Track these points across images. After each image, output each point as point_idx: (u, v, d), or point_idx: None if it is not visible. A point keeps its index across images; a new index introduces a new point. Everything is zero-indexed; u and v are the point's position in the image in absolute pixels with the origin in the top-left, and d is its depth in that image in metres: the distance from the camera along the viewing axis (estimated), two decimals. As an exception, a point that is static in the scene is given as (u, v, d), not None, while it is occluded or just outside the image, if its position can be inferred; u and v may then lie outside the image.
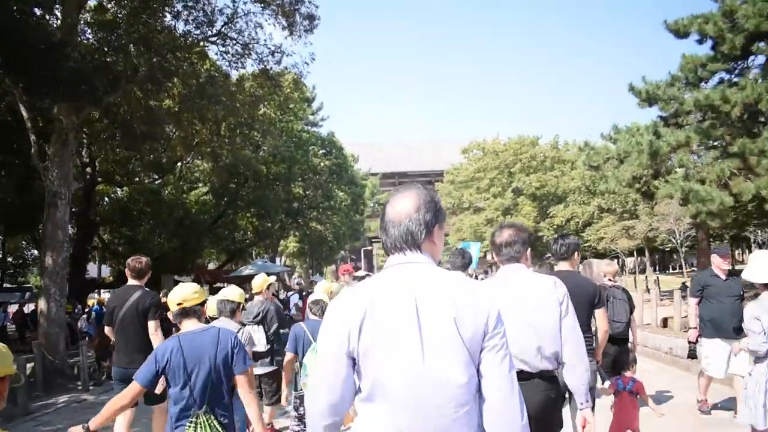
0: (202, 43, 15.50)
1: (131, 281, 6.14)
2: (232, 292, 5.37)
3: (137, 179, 22.30)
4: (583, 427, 3.46)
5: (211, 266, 28.60)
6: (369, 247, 56.75)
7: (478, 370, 2.00)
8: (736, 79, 19.33)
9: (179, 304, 3.83)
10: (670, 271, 52.75)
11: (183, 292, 3.87)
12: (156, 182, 22.79)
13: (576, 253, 5.06)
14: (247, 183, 21.81)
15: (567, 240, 5.03)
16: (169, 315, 4.15)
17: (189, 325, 3.81)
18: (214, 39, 15.24)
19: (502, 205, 47.45)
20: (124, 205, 22.33)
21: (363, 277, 7.07)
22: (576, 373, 3.39)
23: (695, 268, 36.43)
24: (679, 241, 34.92)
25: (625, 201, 42.73)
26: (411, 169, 64.64)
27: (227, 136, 21.06)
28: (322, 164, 24.28)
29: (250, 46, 15.71)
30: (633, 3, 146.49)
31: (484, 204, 49.11)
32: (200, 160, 23.53)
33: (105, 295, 27.87)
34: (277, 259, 44.32)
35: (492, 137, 51.14)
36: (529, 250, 3.70)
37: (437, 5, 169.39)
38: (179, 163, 25.43)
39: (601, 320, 4.94)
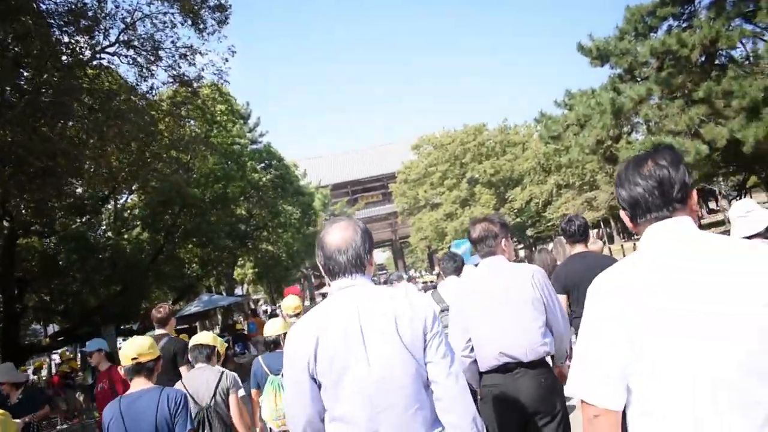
0: (99, 56, 13.48)
1: (158, 330, 6.16)
2: (203, 338, 5.08)
3: (59, 226, 19.95)
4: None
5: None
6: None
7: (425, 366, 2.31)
8: (684, 25, 18.24)
9: (134, 358, 3.63)
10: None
11: (139, 346, 3.67)
12: (81, 226, 20.40)
13: (588, 232, 4.92)
14: (183, 211, 19.69)
15: (579, 221, 4.87)
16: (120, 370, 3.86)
17: (137, 384, 3.63)
18: (112, 49, 13.27)
19: (458, 197, 46.39)
20: (47, 256, 19.93)
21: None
22: (560, 342, 3.57)
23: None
24: (644, 207, 33.89)
25: (582, 173, 41.98)
26: (362, 176, 63.01)
27: (151, 163, 19.01)
28: (263, 179, 22.24)
29: (159, 52, 13.81)
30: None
31: (440, 199, 47.95)
32: (127, 194, 21.36)
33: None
34: (238, 289, 42.09)
35: (440, 131, 50.00)
36: (504, 240, 3.73)
37: (361, 9, 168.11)
38: (109, 204, 23.21)
39: None
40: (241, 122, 31.33)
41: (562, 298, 4.48)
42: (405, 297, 2.39)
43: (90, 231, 21.35)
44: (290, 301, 7.26)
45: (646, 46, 16.93)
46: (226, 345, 6.11)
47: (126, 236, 23.00)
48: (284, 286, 33.33)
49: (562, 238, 7.35)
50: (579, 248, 4.80)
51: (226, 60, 14.86)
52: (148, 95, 15.01)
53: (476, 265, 5.03)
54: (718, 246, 1.69)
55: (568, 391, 1.89)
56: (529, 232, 47.83)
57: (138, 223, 22.68)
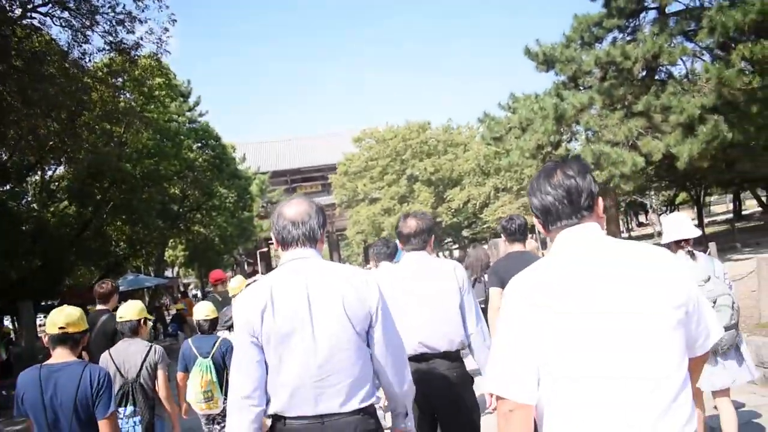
0: (30, 15, 12.72)
1: (99, 306, 6.11)
2: (129, 310, 4.87)
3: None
4: (490, 404, 3.52)
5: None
6: (264, 249, 54.09)
7: (368, 345, 2.45)
8: (629, 38, 18.65)
9: (61, 327, 3.41)
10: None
11: (68, 315, 3.46)
12: (3, 195, 19.29)
13: (526, 233, 5.02)
14: (113, 186, 18.85)
15: (518, 221, 4.92)
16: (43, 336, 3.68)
17: (60, 355, 3.42)
18: (45, 9, 12.53)
19: (397, 194, 46.31)
20: (-37, 223, 18.80)
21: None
22: (481, 350, 3.60)
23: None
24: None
25: (520, 178, 42.64)
26: (303, 165, 62.18)
27: (81, 134, 18.17)
28: (199, 159, 21.51)
29: (96, 16, 13.13)
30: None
31: (379, 194, 47.81)
32: (55, 165, 20.36)
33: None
34: (168, 272, 40.91)
35: (383, 125, 49.80)
36: (432, 237, 3.87)
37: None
38: (36, 174, 22.09)
39: None
40: (181, 100, 30.40)
41: (497, 291, 4.61)
42: (354, 274, 2.51)
43: (12, 200, 20.26)
44: (236, 282, 7.28)
45: (591, 55, 17.21)
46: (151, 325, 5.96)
47: (52, 209, 21.94)
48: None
49: (498, 240, 7.55)
50: (517, 247, 4.88)
51: (166, 29, 14.32)
52: (81, 61, 14.25)
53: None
54: (624, 250, 1.80)
55: (487, 386, 1.98)
56: (465, 233, 48.29)
57: (65, 196, 21.65)
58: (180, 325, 19.10)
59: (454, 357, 3.59)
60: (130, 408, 4.54)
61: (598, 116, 17.01)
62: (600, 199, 1.92)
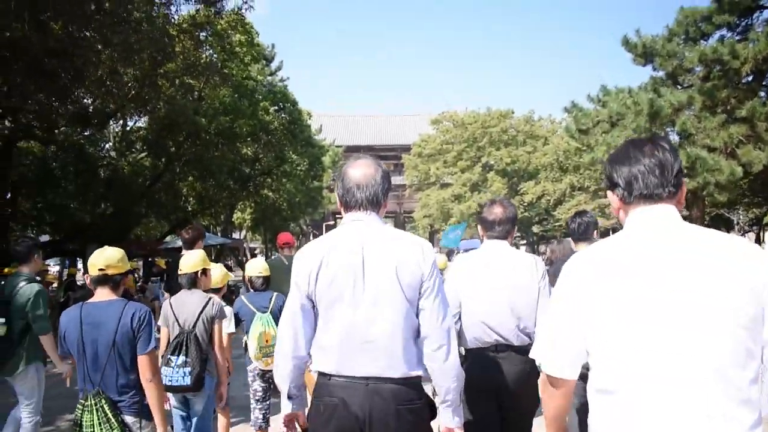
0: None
1: (185, 251, 5.77)
2: (184, 263, 4.76)
3: (61, 134, 19.19)
4: None
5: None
6: (331, 222, 54.24)
7: (417, 315, 2.43)
8: (738, 37, 17.27)
9: (101, 269, 3.43)
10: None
11: (108, 257, 3.48)
12: (83, 138, 19.59)
13: (595, 231, 4.80)
14: (187, 140, 18.88)
15: (585, 217, 4.76)
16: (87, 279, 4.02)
17: (102, 294, 3.47)
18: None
19: (469, 180, 45.51)
20: (43, 163, 19.19)
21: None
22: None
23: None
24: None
25: (599, 177, 41.05)
26: (377, 143, 61.98)
27: (163, 84, 18.22)
28: (274, 122, 21.30)
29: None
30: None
31: (451, 179, 47.07)
32: (136, 116, 20.55)
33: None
34: (236, 234, 41.41)
35: (465, 109, 48.84)
36: (515, 228, 3.77)
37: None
38: (116, 122, 22.40)
39: None
40: (264, 63, 30.43)
41: None
42: (411, 240, 2.52)
43: (91, 145, 20.59)
44: (217, 274, 6.33)
45: (696, 51, 15.99)
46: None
47: (129, 159, 22.26)
48: (281, 236, 32.69)
49: (569, 239, 7.09)
50: (583, 246, 4.62)
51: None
52: (166, 9, 14.10)
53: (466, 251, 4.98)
54: (699, 236, 1.72)
55: (532, 353, 1.94)
56: (535, 229, 47.03)
57: (142, 146, 21.89)
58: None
59: (526, 351, 3.38)
60: (182, 357, 4.50)
61: (695, 118, 15.81)
62: (684, 185, 1.85)
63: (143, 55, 14.00)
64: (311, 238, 49.44)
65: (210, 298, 4.71)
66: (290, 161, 24.27)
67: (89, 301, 3.48)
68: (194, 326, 4.56)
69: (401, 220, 62.56)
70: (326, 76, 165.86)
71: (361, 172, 2.54)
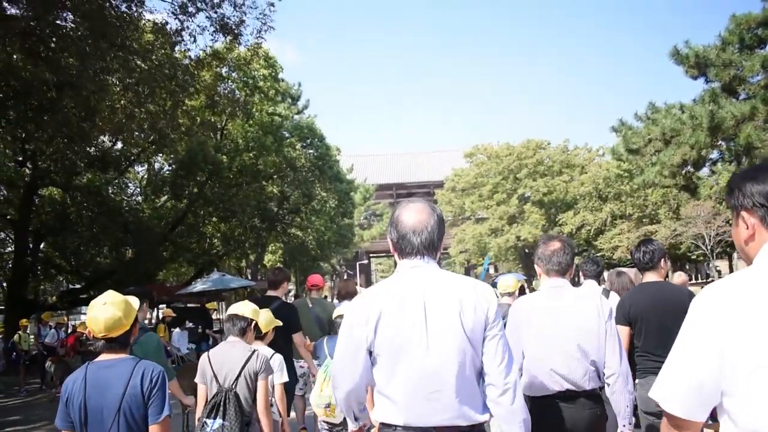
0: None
1: (269, 291, 6.31)
2: (240, 308, 4.39)
3: (80, 178, 18.46)
4: None
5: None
6: (365, 261, 53.08)
7: (480, 360, 2.39)
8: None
9: (103, 335, 2.98)
10: (698, 280, 48.92)
11: (107, 322, 2.95)
12: (100, 181, 18.80)
13: (663, 260, 4.48)
14: (210, 180, 17.91)
15: (651, 246, 4.49)
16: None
17: (108, 353, 3.02)
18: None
19: (506, 213, 44.24)
20: (63, 209, 18.40)
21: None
22: (619, 393, 3.36)
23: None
24: (709, 247, 31.23)
25: (644, 204, 39.45)
26: (409, 180, 61.18)
27: (185, 122, 17.44)
28: (301, 158, 20.26)
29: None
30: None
31: (486, 213, 45.95)
32: (158, 156, 19.77)
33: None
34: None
35: (497, 143, 47.89)
36: (573, 266, 3.65)
37: (435, 7, 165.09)
38: (141, 164, 21.72)
39: None
40: (290, 101, 29.75)
41: (624, 330, 4.22)
42: (473, 285, 2.46)
43: (115, 190, 19.81)
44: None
45: (757, 58, 14.58)
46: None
47: (151, 202, 21.46)
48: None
49: (619, 270, 6.78)
50: (650, 276, 4.44)
51: (272, 4, 13.00)
52: (177, 37, 13.29)
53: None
54: None
55: (652, 393, 1.74)
56: (576, 260, 45.25)
57: (167, 190, 21.07)
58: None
59: (597, 397, 3.40)
60: (218, 421, 3.91)
61: (762, 129, 14.31)
62: None
63: (162, 92, 13.20)
64: (345, 277, 48.38)
65: (254, 351, 4.16)
66: (319, 198, 23.20)
67: (96, 360, 3.03)
68: (235, 383, 4.00)
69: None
70: (354, 116, 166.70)
71: (415, 217, 2.48)
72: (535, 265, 3.71)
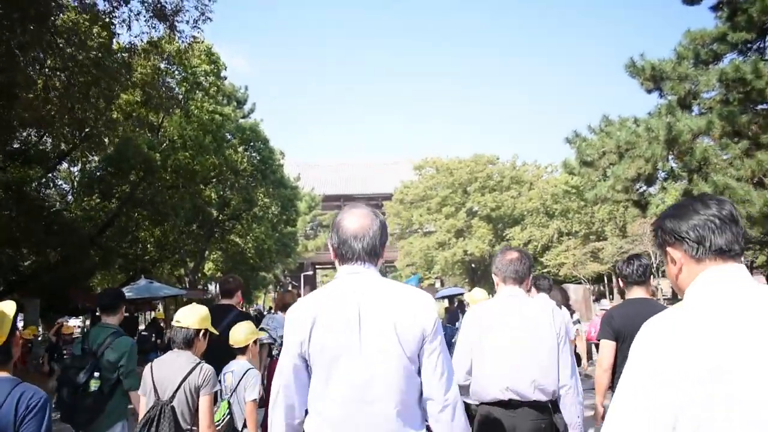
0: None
1: (223, 300, 5.94)
2: (186, 315, 3.95)
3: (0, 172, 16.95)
4: None
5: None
6: (310, 272, 51.93)
7: (419, 372, 2.27)
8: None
9: None
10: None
11: None
12: (27, 178, 17.28)
13: (651, 276, 4.40)
14: (144, 181, 16.64)
15: (643, 260, 4.37)
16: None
17: None
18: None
19: (454, 227, 43.95)
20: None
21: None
22: (570, 405, 3.36)
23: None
24: (654, 266, 31.41)
25: (590, 221, 39.66)
26: (357, 192, 60.45)
27: (119, 118, 16.26)
28: (244, 162, 19.12)
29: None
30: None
31: (434, 226, 45.61)
32: (90, 155, 18.40)
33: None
34: (211, 286, 38.83)
35: (446, 156, 47.74)
36: (529, 278, 3.66)
37: (390, 15, 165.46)
38: (74, 163, 20.27)
39: None
40: (235, 105, 28.65)
41: (610, 346, 4.11)
42: (410, 294, 2.36)
43: (34, 185, 18.30)
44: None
45: (714, 72, 14.32)
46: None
47: (81, 202, 20.01)
48: (252, 288, 30.09)
49: (568, 285, 6.73)
50: (638, 292, 4.32)
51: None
52: (110, 23, 12.23)
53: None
54: None
55: None
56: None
57: (96, 188, 19.64)
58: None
59: (542, 408, 3.30)
60: None
61: (717, 145, 14.04)
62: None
63: (94, 83, 12.14)
64: (289, 288, 47.05)
65: (198, 364, 3.83)
66: (261, 204, 22.09)
67: None
68: (173, 397, 3.71)
69: (383, 270, 60.53)
70: (303, 125, 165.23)
71: (357, 222, 2.38)
72: (493, 275, 3.65)
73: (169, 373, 3.80)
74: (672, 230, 1.72)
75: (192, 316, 3.96)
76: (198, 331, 3.94)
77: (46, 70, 13.15)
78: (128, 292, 16.53)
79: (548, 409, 3.35)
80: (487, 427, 3.30)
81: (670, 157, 14.30)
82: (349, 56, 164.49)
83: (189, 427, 3.74)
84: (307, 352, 2.25)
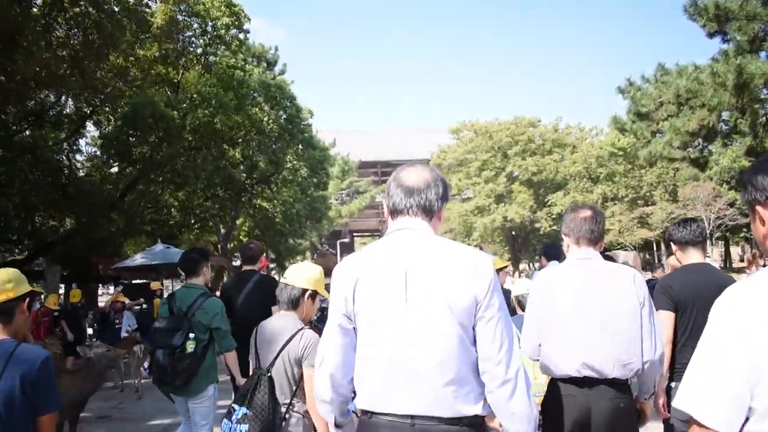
0: None
1: (246, 267, 5.95)
2: (295, 273, 3.67)
3: (19, 135, 16.22)
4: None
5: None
6: (347, 240, 51.24)
7: (474, 341, 2.05)
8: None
9: None
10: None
11: None
12: (45, 140, 16.47)
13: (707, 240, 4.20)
14: (164, 141, 15.74)
15: (697, 222, 4.11)
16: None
17: None
18: None
19: (494, 192, 42.53)
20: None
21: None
22: (647, 374, 3.04)
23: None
24: (708, 232, 29.68)
25: (638, 185, 37.85)
26: (395, 158, 59.28)
27: (137, 75, 15.40)
28: (269, 120, 18.06)
29: None
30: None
31: (473, 191, 44.28)
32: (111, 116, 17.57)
33: None
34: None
35: (485, 119, 46.10)
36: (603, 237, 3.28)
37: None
38: (97, 126, 19.48)
39: None
40: (265, 65, 27.52)
41: (669, 317, 3.69)
42: (465, 254, 2.13)
43: (54, 147, 17.53)
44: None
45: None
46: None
47: (102, 165, 19.25)
48: (284, 254, 29.20)
49: (619, 252, 5.98)
50: (695, 256, 3.90)
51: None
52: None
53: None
54: None
55: (676, 402, 1.54)
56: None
57: (113, 151, 18.78)
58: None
59: (622, 386, 2.95)
60: (242, 410, 3.27)
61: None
62: None
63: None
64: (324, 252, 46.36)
65: (300, 330, 3.46)
66: (289, 167, 21.07)
67: None
68: (271, 365, 3.39)
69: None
70: (339, 92, 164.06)
71: (415, 175, 2.21)
72: (563, 236, 3.30)
73: (271, 336, 3.53)
74: (764, 188, 1.52)
75: (300, 275, 3.66)
76: (305, 291, 3.60)
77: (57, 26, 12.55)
78: (143, 257, 15.78)
79: (628, 387, 3.04)
80: (557, 407, 2.97)
81: (739, 105, 12.75)
82: (385, 27, 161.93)
83: (288, 400, 3.41)
84: (352, 312, 2.14)
